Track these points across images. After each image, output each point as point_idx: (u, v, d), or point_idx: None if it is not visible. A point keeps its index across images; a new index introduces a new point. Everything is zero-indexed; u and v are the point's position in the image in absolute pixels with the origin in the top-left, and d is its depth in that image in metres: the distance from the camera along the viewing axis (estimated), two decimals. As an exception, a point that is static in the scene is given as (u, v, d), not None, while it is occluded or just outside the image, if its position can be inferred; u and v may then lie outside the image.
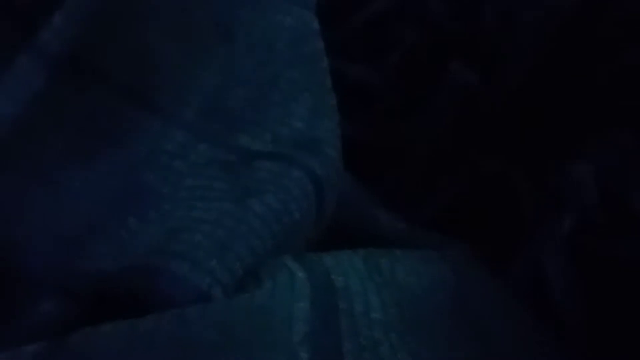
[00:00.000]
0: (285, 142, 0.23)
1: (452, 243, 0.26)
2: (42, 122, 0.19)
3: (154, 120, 0.22)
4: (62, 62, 0.19)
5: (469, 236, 0.26)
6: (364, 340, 0.17)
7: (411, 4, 0.31)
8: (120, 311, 0.18)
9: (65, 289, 0.19)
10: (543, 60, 0.28)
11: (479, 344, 0.21)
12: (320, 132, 0.23)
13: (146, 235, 0.20)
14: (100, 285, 0.19)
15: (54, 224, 0.20)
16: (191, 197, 0.21)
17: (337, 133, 0.24)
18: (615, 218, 0.25)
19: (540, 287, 0.26)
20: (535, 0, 0.29)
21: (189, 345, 0.15)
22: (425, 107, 0.30)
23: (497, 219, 0.28)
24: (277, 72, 0.23)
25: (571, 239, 0.26)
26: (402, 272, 0.21)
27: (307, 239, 0.23)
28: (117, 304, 0.18)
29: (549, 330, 0.24)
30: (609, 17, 0.28)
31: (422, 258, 0.23)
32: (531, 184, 0.28)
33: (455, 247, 0.25)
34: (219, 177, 0.21)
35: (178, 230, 0.20)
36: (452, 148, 0.30)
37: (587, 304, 0.25)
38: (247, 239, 0.20)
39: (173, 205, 0.21)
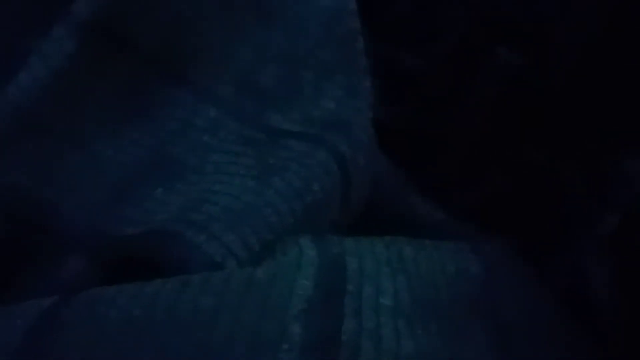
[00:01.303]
0: (315, 122, 0.23)
1: (488, 237, 0.26)
2: (75, 88, 0.20)
3: (187, 95, 0.23)
4: (92, 30, 0.20)
5: (509, 230, 0.26)
6: (366, 322, 0.17)
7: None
8: (139, 274, 0.19)
9: (91, 250, 0.20)
10: (597, 50, 0.28)
11: (499, 340, 0.20)
12: (350, 114, 0.23)
13: (171, 204, 0.21)
14: (123, 248, 0.20)
15: (84, 188, 0.21)
16: (217, 171, 0.22)
17: (369, 115, 0.24)
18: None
19: (579, 286, 0.26)
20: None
21: (185, 310, 0.16)
22: (471, 95, 0.30)
23: (541, 213, 0.28)
24: (310, 51, 0.23)
25: (615, 239, 0.25)
26: (425, 260, 0.21)
27: (335, 223, 0.24)
28: (137, 267, 0.19)
29: (585, 332, 0.24)
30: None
31: (451, 249, 0.23)
32: (579, 179, 0.28)
33: (491, 241, 0.25)
34: (246, 153, 0.22)
35: (199, 200, 0.21)
36: (497, 138, 0.30)
37: (627, 306, 0.25)
38: (264, 214, 0.20)
39: (199, 178, 0.22)
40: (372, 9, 0.29)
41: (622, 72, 0.27)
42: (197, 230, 0.20)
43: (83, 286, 0.18)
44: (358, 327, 0.17)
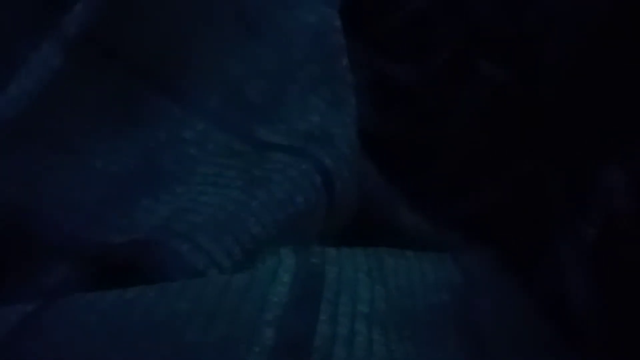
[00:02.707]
0: (300, 135, 0.24)
1: (473, 247, 0.26)
2: (64, 99, 0.21)
3: (175, 108, 0.23)
4: (81, 44, 0.21)
5: (494, 240, 0.27)
6: (341, 329, 0.18)
7: (453, 3, 0.31)
8: (123, 282, 0.19)
9: (76, 258, 0.21)
10: (579, 66, 0.29)
11: (474, 348, 0.21)
12: (335, 127, 0.24)
13: (156, 214, 0.22)
14: (107, 256, 0.21)
15: (71, 196, 0.22)
16: (203, 182, 0.23)
17: (354, 129, 0.25)
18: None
19: (560, 296, 0.26)
20: (577, 6, 0.29)
21: (161, 314, 0.17)
22: (460, 108, 0.31)
23: (525, 223, 0.29)
24: (297, 66, 0.24)
25: (594, 249, 0.26)
26: (405, 270, 0.22)
27: (321, 234, 0.24)
28: (121, 275, 0.20)
29: (566, 342, 0.24)
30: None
31: (432, 260, 0.23)
32: (561, 190, 0.28)
33: (476, 251, 0.26)
34: (232, 165, 0.23)
35: (184, 210, 0.21)
36: (485, 150, 0.30)
37: (606, 316, 0.25)
38: (247, 225, 0.21)
39: (185, 189, 0.22)
40: (365, 24, 0.30)
41: (602, 86, 0.28)
42: (180, 239, 0.21)
43: (70, 292, 0.19)
44: (332, 333, 0.18)
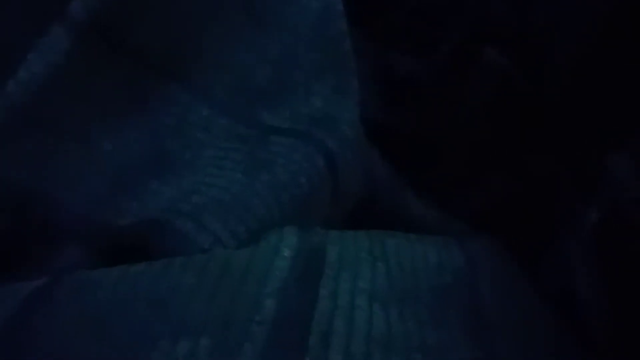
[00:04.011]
0: (303, 119, 0.24)
1: (479, 235, 0.27)
2: (73, 84, 0.22)
3: (182, 93, 0.24)
4: (88, 30, 0.22)
5: (500, 229, 0.27)
6: (341, 302, 0.19)
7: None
8: (131, 262, 0.20)
9: (86, 239, 0.21)
10: (584, 55, 0.29)
11: (476, 330, 0.21)
12: (338, 111, 0.25)
13: (163, 196, 0.22)
14: (116, 237, 0.21)
15: (81, 181, 0.22)
16: (208, 165, 0.23)
17: (356, 113, 0.25)
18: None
19: (565, 284, 0.27)
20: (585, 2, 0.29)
21: (165, 289, 0.18)
22: (466, 98, 0.31)
23: (531, 212, 0.29)
24: (301, 53, 0.25)
25: (597, 236, 0.26)
26: (408, 252, 0.22)
27: (327, 218, 0.25)
28: (129, 255, 0.20)
29: (571, 330, 0.24)
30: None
31: (437, 244, 0.24)
32: (567, 178, 0.29)
33: (482, 239, 0.26)
34: (237, 149, 0.24)
35: (189, 192, 0.22)
36: (492, 140, 0.31)
37: (610, 304, 0.25)
38: (252, 205, 0.22)
39: (191, 172, 0.23)
40: (370, 16, 0.30)
41: (608, 74, 0.28)
42: (185, 219, 0.21)
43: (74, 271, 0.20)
44: (332, 307, 0.18)
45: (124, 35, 0.23)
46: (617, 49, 0.28)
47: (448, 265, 0.23)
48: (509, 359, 0.21)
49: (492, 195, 0.30)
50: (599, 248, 0.26)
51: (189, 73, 0.24)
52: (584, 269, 0.26)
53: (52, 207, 0.22)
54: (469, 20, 0.32)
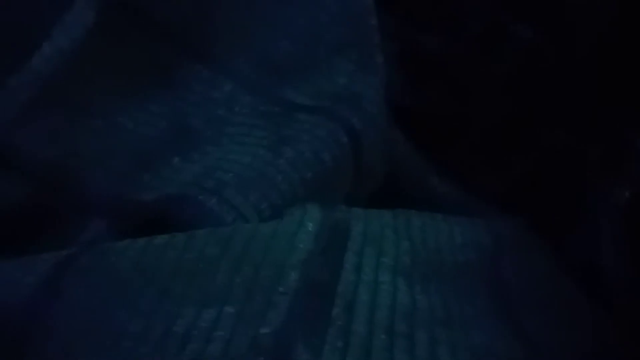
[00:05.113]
0: (327, 96, 0.25)
1: (505, 216, 0.27)
2: (96, 59, 0.22)
3: (204, 69, 0.24)
4: (111, 5, 0.22)
5: (527, 207, 0.27)
6: (365, 276, 0.19)
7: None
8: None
9: (110, 214, 0.22)
10: (614, 29, 0.29)
11: (501, 306, 0.21)
12: (362, 88, 0.25)
13: (187, 172, 0.23)
14: (140, 211, 0.22)
15: (107, 157, 0.23)
16: (231, 142, 0.24)
17: (381, 90, 0.25)
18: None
19: (593, 262, 0.27)
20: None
21: (190, 259, 0.18)
22: (493, 76, 0.31)
23: (559, 190, 0.29)
24: (325, 27, 0.25)
25: (626, 213, 0.26)
26: (432, 230, 0.23)
27: (349, 196, 0.25)
28: (153, 230, 0.21)
29: (599, 308, 0.24)
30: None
31: (462, 223, 0.24)
32: (595, 155, 0.29)
33: (508, 219, 0.26)
34: (259, 125, 0.24)
35: (212, 168, 0.22)
36: (519, 118, 0.31)
37: (638, 281, 0.25)
38: (275, 181, 0.22)
39: (214, 148, 0.23)
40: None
41: (637, 49, 0.28)
42: (209, 194, 0.21)
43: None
44: (356, 280, 0.18)
45: (148, 10, 0.23)
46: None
47: (473, 243, 0.23)
48: (535, 334, 0.21)
49: (516, 174, 0.30)
50: (630, 225, 0.26)
51: (211, 47, 0.25)
52: (612, 245, 0.26)
53: (76, 181, 0.22)
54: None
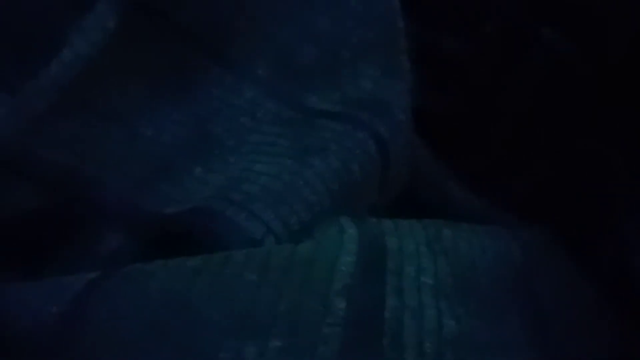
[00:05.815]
0: (353, 102, 0.24)
1: (529, 225, 0.26)
2: (116, 65, 0.21)
3: (226, 75, 0.23)
4: (133, 8, 0.21)
5: (551, 217, 0.27)
6: (409, 300, 0.18)
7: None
8: (177, 251, 0.19)
9: (129, 226, 0.21)
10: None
11: (534, 323, 0.21)
12: (389, 94, 0.24)
13: (209, 183, 0.22)
14: (163, 224, 0.21)
15: (125, 165, 0.22)
16: (255, 151, 0.23)
17: (408, 96, 0.25)
18: None
19: (621, 275, 0.26)
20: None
21: (227, 284, 0.17)
22: (515, 79, 0.30)
23: (583, 200, 0.28)
24: (350, 30, 0.24)
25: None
26: (464, 243, 0.22)
27: (372, 205, 0.24)
28: (175, 244, 0.20)
29: (627, 321, 0.24)
30: None
31: (490, 233, 0.23)
32: (621, 164, 0.28)
33: (532, 229, 0.26)
34: (283, 134, 0.23)
35: (239, 180, 0.21)
36: (541, 124, 0.30)
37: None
38: (303, 194, 0.21)
39: (237, 158, 0.22)
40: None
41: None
42: (237, 208, 0.21)
43: (120, 262, 0.19)
44: (401, 305, 0.18)
45: (168, 13, 0.22)
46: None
47: (504, 258, 0.22)
48: (568, 355, 0.21)
49: (538, 182, 0.30)
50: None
51: (232, 51, 0.24)
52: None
53: (95, 190, 0.21)
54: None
